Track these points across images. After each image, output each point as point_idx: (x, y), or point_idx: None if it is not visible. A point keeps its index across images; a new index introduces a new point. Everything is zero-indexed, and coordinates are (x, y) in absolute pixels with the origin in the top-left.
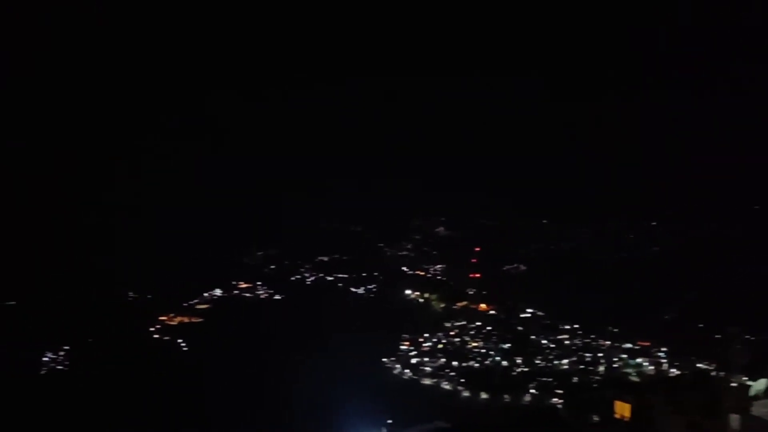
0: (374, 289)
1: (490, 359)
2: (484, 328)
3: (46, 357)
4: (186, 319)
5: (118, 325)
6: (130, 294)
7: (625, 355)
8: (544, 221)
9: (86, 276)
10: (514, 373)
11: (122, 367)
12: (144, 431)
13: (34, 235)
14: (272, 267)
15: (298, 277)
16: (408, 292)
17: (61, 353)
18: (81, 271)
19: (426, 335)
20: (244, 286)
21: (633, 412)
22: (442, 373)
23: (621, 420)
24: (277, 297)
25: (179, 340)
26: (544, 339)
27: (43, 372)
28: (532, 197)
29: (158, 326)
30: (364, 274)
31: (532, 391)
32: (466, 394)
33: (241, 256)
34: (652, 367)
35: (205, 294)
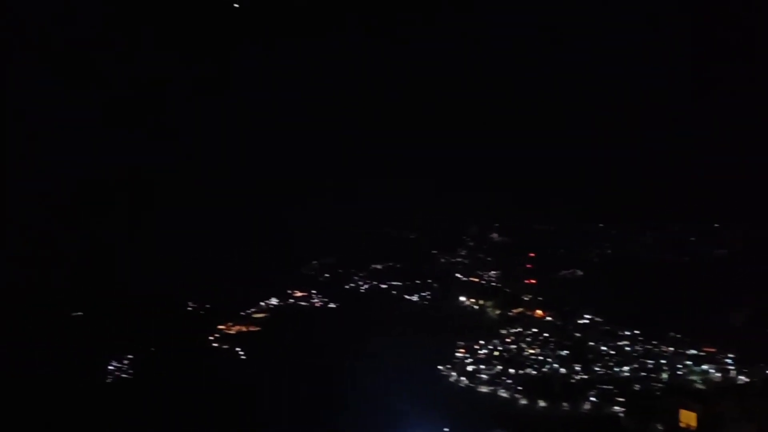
0: (428, 297)
1: (548, 366)
2: (541, 335)
3: (111, 365)
4: (244, 328)
5: (179, 334)
6: (190, 304)
7: (689, 362)
8: (601, 225)
9: (149, 287)
10: (573, 381)
11: (183, 374)
12: None
13: (100, 248)
14: (327, 275)
15: (352, 285)
16: (462, 299)
17: (126, 361)
18: (143, 283)
19: (482, 342)
20: (300, 294)
21: (699, 420)
22: (498, 380)
23: (686, 429)
24: (331, 305)
25: (237, 349)
26: (604, 345)
27: (109, 380)
28: (588, 200)
29: (217, 335)
30: (418, 282)
31: (591, 399)
32: (523, 402)
33: (297, 266)
34: (719, 375)
35: (262, 303)
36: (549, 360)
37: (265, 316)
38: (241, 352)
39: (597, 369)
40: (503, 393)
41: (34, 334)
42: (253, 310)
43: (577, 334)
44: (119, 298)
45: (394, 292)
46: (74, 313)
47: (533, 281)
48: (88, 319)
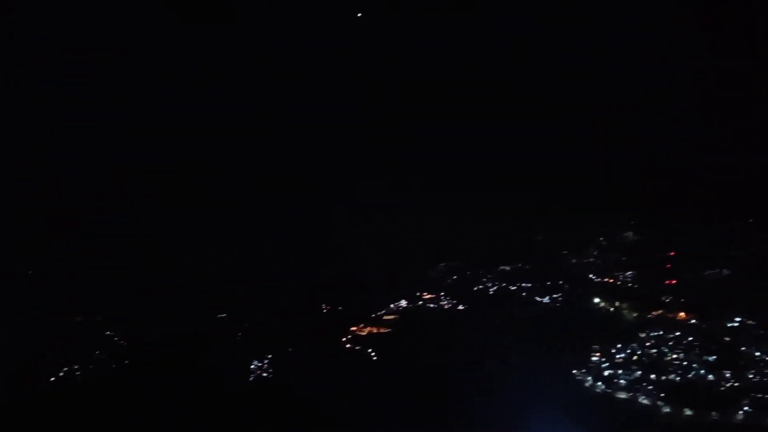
0: (560, 298)
1: (693, 372)
2: (685, 339)
3: (252, 365)
4: (375, 330)
5: (314, 335)
6: (323, 306)
7: None
8: (750, 220)
9: (286, 290)
10: (723, 389)
11: (319, 375)
12: None
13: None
14: (455, 277)
15: (480, 287)
16: (596, 300)
17: (266, 361)
18: (282, 286)
19: (619, 346)
20: (428, 297)
21: None
22: (638, 386)
23: None
24: (460, 307)
25: (369, 350)
26: (758, 351)
27: (251, 379)
28: (734, 195)
29: (349, 336)
30: (548, 283)
31: (745, 408)
32: (666, 410)
33: (425, 268)
34: None
35: (392, 305)
36: (694, 366)
37: (395, 318)
38: (373, 354)
39: (750, 376)
40: (644, 400)
41: (183, 333)
42: (383, 312)
43: (727, 339)
44: (261, 300)
45: (524, 294)
46: (219, 315)
47: (674, 281)
48: (231, 320)
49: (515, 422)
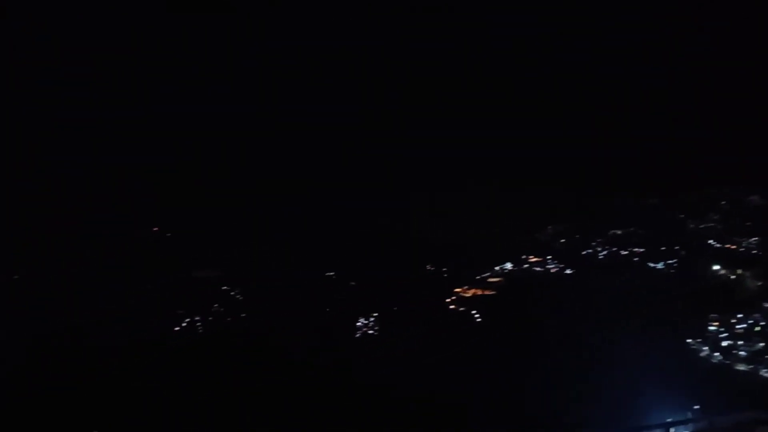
0: (675, 264)
1: None
2: None
3: (359, 322)
4: (479, 292)
5: (419, 295)
6: (428, 267)
7: None
8: None
9: (392, 249)
10: None
11: (425, 334)
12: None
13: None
14: (562, 241)
15: (590, 251)
16: (716, 267)
17: (372, 319)
18: (388, 245)
19: (739, 316)
20: (535, 260)
21: None
22: (759, 358)
23: None
24: (568, 271)
25: (473, 312)
26: None
27: (357, 336)
28: None
29: (453, 297)
30: (663, 248)
31: None
32: None
33: (532, 231)
34: None
35: (497, 268)
36: None
37: (500, 281)
38: (477, 316)
39: None
40: (765, 372)
41: (289, 291)
42: (488, 274)
43: None
44: (367, 258)
45: (636, 259)
46: (327, 273)
47: None
48: (339, 278)
49: (624, 392)
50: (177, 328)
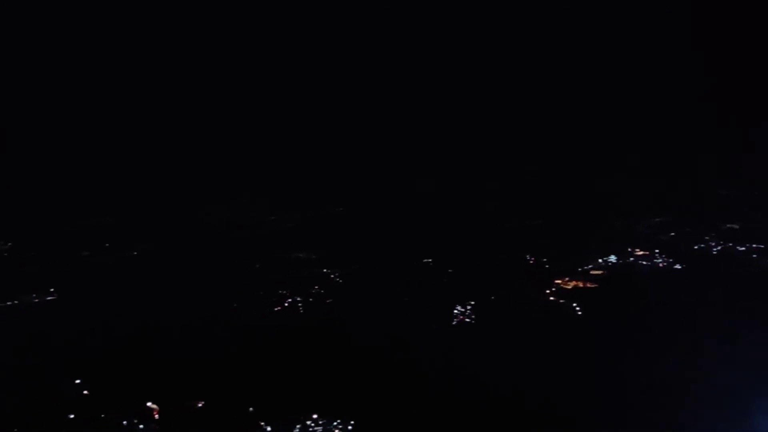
0: None
1: None
2: None
3: (455, 310)
4: (581, 284)
5: (517, 285)
6: (528, 257)
7: None
8: None
9: (492, 237)
10: None
11: (521, 324)
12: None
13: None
14: (672, 234)
15: (702, 245)
16: None
17: (468, 307)
18: (488, 232)
19: None
20: (641, 253)
21: None
22: None
23: None
24: (677, 266)
25: (574, 304)
26: None
27: (453, 323)
28: None
29: (553, 289)
30: None
31: None
32: None
33: (636, 223)
34: None
35: (600, 260)
36: None
37: (603, 274)
38: (578, 308)
39: None
40: None
41: (387, 276)
42: (590, 266)
43: None
44: (468, 245)
45: (754, 257)
46: (424, 260)
47: None
48: (435, 265)
49: (738, 396)
50: (278, 308)
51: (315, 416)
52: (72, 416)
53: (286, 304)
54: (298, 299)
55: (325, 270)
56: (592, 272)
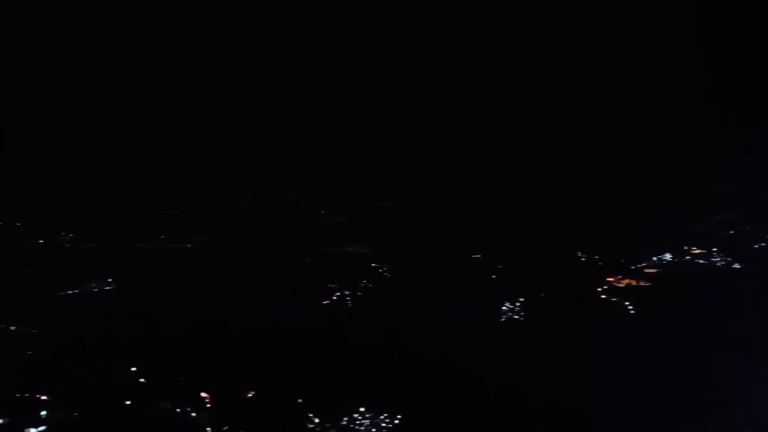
0: None
1: None
2: None
3: (504, 307)
4: (634, 282)
5: (568, 282)
6: (579, 254)
7: None
8: None
9: (541, 233)
10: None
11: (570, 322)
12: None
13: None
14: (731, 233)
15: (763, 245)
16: None
17: (517, 304)
18: (537, 228)
19: None
20: (698, 252)
21: None
22: None
23: None
24: (736, 266)
25: (626, 303)
26: None
27: (503, 319)
28: None
29: (605, 287)
30: None
31: None
32: None
33: (694, 221)
34: None
35: (654, 258)
36: None
37: (658, 272)
38: (630, 307)
39: None
40: None
41: (435, 272)
42: (644, 264)
43: None
44: (512, 244)
45: None
46: (473, 255)
47: None
48: (484, 262)
49: None
50: (326, 302)
51: (362, 409)
52: (128, 402)
53: (335, 298)
54: (347, 293)
55: (373, 264)
56: (645, 270)
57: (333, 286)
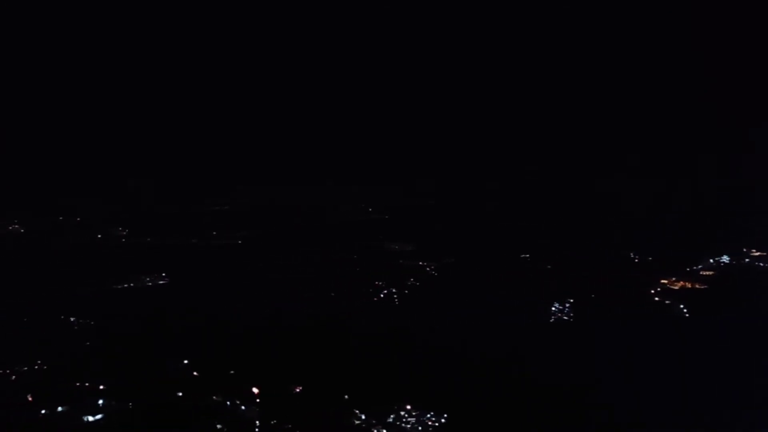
0: None
1: None
2: None
3: (553, 307)
4: (689, 285)
5: (620, 283)
6: (632, 255)
7: None
8: None
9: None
10: None
11: (622, 324)
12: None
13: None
14: None
15: None
16: None
17: (567, 305)
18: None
19: None
20: (757, 254)
21: None
22: None
23: None
24: None
25: (681, 306)
26: None
27: (551, 321)
28: None
29: (659, 289)
30: None
31: None
32: None
33: (754, 222)
34: None
35: (712, 260)
36: None
37: (714, 274)
38: (685, 310)
39: None
40: None
41: (482, 270)
42: (700, 266)
43: None
44: (565, 243)
45: None
46: (522, 255)
47: None
48: (532, 263)
49: None
50: (375, 299)
51: (408, 407)
52: (180, 394)
53: (382, 295)
54: (394, 291)
55: (421, 263)
56: (702, 272)
57: (380, 283)
